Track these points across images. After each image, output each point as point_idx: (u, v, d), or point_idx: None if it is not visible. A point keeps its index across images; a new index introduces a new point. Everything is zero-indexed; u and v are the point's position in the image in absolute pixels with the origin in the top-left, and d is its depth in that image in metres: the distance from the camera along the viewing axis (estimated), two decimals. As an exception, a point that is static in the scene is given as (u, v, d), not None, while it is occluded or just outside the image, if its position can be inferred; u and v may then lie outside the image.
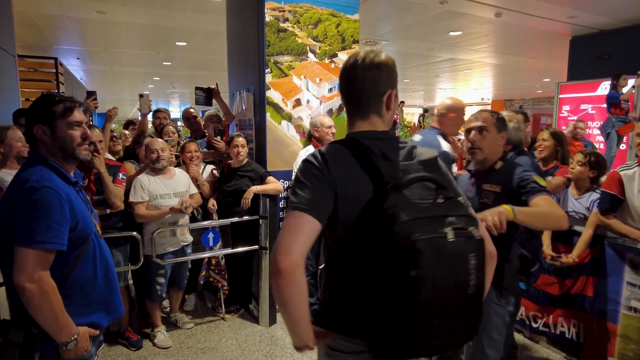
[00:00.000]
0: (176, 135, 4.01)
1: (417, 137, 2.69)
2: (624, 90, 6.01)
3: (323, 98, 3.68)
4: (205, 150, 4.09)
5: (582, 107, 7.02)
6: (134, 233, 3.04)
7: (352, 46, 3.77)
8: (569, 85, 7.25)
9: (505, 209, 1.64)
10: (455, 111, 2.58)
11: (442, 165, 1.20)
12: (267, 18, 3.42)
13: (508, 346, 2.07)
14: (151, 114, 4.21)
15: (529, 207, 1.74)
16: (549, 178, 3.09)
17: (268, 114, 3.48)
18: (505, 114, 2.39)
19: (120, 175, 3.08)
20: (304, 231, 1.05)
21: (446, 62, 10.24)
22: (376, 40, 7.86)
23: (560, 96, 7.33)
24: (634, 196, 2.51)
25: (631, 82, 6.11)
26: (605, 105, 6.23)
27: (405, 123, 15.24)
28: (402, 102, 15.81)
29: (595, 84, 6.76)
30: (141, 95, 3.68)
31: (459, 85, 15.34)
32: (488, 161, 2.00)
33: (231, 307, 3.66)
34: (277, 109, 3.52)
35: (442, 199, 1.05)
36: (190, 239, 3.32)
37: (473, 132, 1.99)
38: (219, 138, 3.84)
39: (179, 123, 9.03)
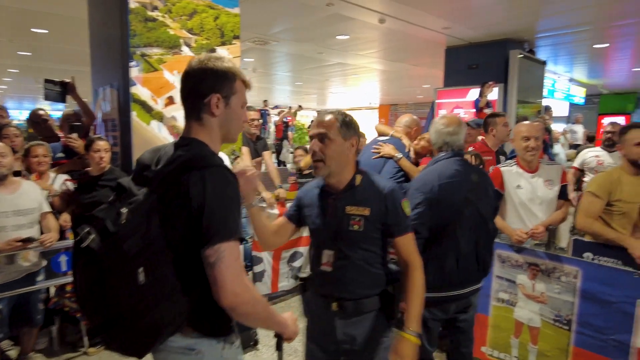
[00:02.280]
0: (21, 138, 3.34)
1: (384, 139, 3.07)
2: (489, 97, 6.71)
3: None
4: (62, 155, 3.48)
5: (456, 111, 7.67)
6: (-48, 262, 2.40)
7: (233, 42, 3.51)
8: (445, 91, 7.89)
9: (413, 343, 1.53)
10: (415, 125, 3.23)
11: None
12: (132, 4, 2.99)
13: None
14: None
15: (412, 305, 1.59)
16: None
17: (134, 113, 3.05)
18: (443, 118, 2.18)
19: None
20: None
21: (336, 66, 10.48)
22: (267, 40, 7.69)
23: (438, 101, 7.93)
24: (512, 191, 2.68)
25: (495, 89, 6.84)
26: (474, 110, 6.88)
27: (300, 125, 15.37)
28: (300, 107, 16.05)
29: (465, 91, 7.44)
30: None
31: (349, 89, 15.92)
32: (339, 176, 1.65)
33: (97, 339, 3.14)
34: (146, 107, 3.11)
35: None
36: (41, 263, 2.75)
37: (314, 140, 1.63)
38: (76, 135, 3.29)
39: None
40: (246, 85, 1.32)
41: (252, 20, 6.29)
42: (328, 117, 1.63)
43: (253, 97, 18.11)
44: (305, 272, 1.80)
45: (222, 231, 1.09)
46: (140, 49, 3.06)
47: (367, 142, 3.47)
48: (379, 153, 2.94)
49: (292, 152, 12.12)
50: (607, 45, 7.77)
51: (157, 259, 1.09)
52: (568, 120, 14.49)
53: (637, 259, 2.13)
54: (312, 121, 1.60)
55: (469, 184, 2.04)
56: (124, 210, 1.09)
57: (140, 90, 3.07)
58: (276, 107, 12.51)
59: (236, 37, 3.52)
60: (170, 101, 3.22)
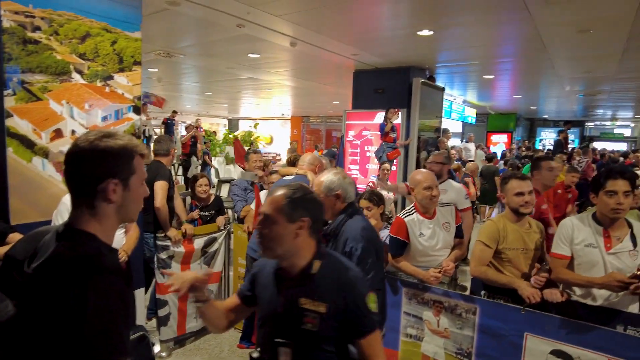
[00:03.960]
0: None
1: (289, 178, 3.07)
2: (393, 122, 7.09)
3: (95, 128, 3.01)
4: None
5: (364, 132, 7.98)
6: None
7: (133, 68, 3.22)
8: (354, 113, 8.15)
9: None
10: (319, 163, 3.19)
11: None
12: (6, 23, 2.58)
13: None
14: None
15: None
16: None
17: (10, 149, 2.62)
18: (328, 177, 2.16)
19: None
20: None
21: (248, 81, 10.31)
22: (173, 54, 7.28)
23: (347, 122, 8.16)
24: (416, 239, 2.79)
25: (399, 114, 7.26)
26: (379, 133, 7.21)
27: (209, 133, 14.89)
28: (215, 132, 15.59)
29: (373, 114, 7.77)
30: None
31: (261, 101, 15.80)
32: (291, 261, 1.43)
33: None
34: (26, 142, 2.69)
35: None
36: None
37: (260, 220, 1.44)
38: None
39: None
40: (144, 157, 1.17)
41: (157, 34, 5.92)
42: (277, 194, 1.43)
43: (158, 105, 17.08)
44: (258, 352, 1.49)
45: (102, 353, 0.92)
46: (18, 75, 2.65)
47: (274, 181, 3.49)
48: None
49: (197, 168, 11.54)
50: (493, 76, 8.76)
51: None
52: (462, 136, 16.03)
53: (526, 299, 2.34)
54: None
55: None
56: None
57: (17, 123, 2.65)
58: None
59: (137, 63, 3.23)
60: (58, 135, 2.84)
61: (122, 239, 2.79)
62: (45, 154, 2.79)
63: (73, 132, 2.92)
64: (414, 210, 2.83)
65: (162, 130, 11.57)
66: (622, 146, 19.79)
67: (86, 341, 0.90)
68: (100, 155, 1.05)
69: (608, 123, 20.45)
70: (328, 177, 2.17)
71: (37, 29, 2.71)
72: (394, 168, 7.56)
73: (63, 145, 2.87)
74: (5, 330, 0.92)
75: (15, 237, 2.55)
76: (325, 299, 1.37)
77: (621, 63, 6.89)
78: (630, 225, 2.32)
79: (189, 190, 4.16)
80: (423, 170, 2.97)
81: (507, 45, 6.16)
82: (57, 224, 2.36)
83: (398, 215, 2.91)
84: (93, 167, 1.05)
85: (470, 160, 11.90)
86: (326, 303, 1.37)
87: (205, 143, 13.61)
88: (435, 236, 2.78)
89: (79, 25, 2.90)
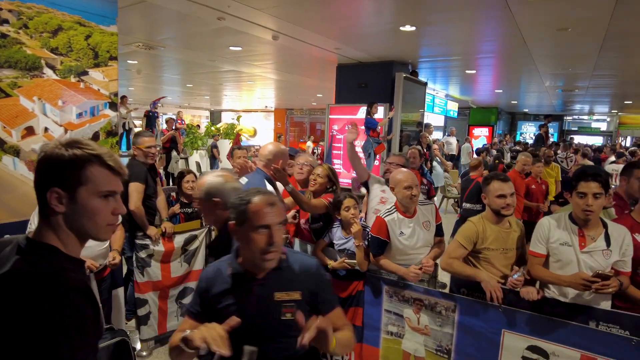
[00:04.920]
0: None
1: (244, 180, 2.74)
2: (376, 116, 7.10)
3: (69, 125, 2.93)
4: None
5: (347, 127, 7.95)
6: None
7: (109, 63, 3.12)
8: (337, 107, 8.13)
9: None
10: (281, 157, 2.84)
11: None
12: (-27, 15, 2.48)
13: None
14: None
15: (344, 338, 1.48)
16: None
17: (-22, 149, 2.53)
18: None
19: None
20: None
21: (230, 73, 10.18)
22: (153, 46, 7.12)
23: (330, 116, 8.14)
24: (396, 238, 2.80)
25: (381, 109, 7.27)
26: (363, 128, 7.20)
27: (191, 126, 14.65)
28: (198, 126, 15.23)
29: (356, 108, 7.77)
30: None
31: (243, 93, 15.63)
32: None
33: None
34: (-5, 141, 2.60)
35: None
36: None
37: (276, 230, 1.41)
38: None
39: None
40: (114, 170, 1.08)
41: (135, 25, 5.76)
42: (277, 201, 1.45)
43: (140, 96, 16.71)
44: None
45: None
46: (-15, 71, 2.55)
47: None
48: None
49: (177, 162, 11.27)
50: (475, 71, 8.84)
51: None
52: (444, 130, 16.18)
53: (487, 293, 2.36)
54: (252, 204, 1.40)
55: None
56: None
57: (-15, 120, 2.56)
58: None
59: (113, 58, 3.13)
60: (29, 132, 2.74)
61: (99, 244, 2.70)
62: (16, 152, 2.69)
63: (46, 129, 2.82)
64: (394, 210, 2.83)
65: (143, 123, 11.32)
66: (599, 139, 20.37)
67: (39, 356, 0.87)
68: (49, 162, 1.04)
69: (585, 117, 20.95)
70: (209, 178, 1.94)
71: (4, 21, 2.60)
72: (376, 163, 7.58)
73: (35, 143, 2.78)
74: None
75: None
76: (297, 286, 1.45)
77: (598, 61, 7.03)
78: (605, 225, 2.37)
79: (171, 185, 4.07)
80: (404, 169, 2.96)
81: (488, 42, 6.22)
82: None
83: (378, 214, 2.90)
84: (41, 174, 1.05)
85: (452, 154, 12.07)
86: (300, 290, 1.44)
87: (213, 137, 13.00)
88: (415, 235, 2.79)
89: (50, 19, 2.79)
